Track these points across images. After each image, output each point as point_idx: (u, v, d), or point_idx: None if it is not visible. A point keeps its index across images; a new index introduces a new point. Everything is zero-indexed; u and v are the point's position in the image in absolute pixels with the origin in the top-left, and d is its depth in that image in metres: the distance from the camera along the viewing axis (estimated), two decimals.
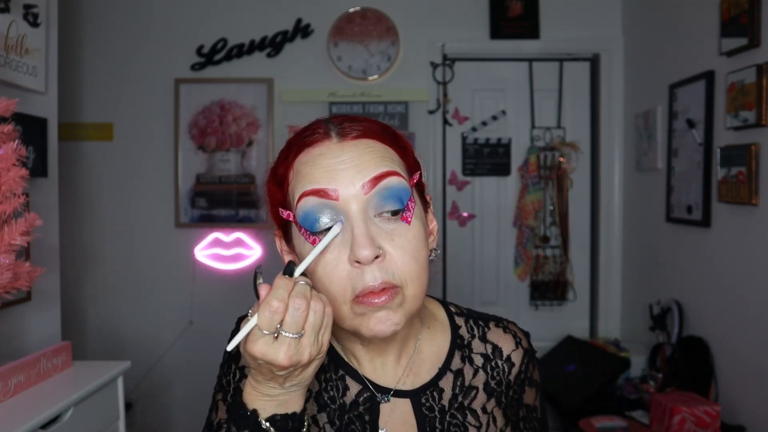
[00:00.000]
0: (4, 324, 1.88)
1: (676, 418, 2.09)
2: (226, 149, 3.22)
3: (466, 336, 0.86)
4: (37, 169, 2.00)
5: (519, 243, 3.30)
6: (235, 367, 0.83)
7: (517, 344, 0.87)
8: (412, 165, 0.77)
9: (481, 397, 0.83)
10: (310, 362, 0.66)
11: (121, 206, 3.26)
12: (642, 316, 2.92)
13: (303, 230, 0.71)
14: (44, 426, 1.53)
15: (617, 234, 3.27)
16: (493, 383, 0.84)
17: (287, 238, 0.78)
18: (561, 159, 3.23)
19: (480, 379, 0.84)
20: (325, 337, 0.66)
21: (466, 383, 0.83)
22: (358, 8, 3.20)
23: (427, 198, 0.80)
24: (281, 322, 0.63)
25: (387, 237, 0.70)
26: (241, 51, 3.20)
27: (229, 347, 0.66)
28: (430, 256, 0.77)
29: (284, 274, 0.66)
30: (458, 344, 0.85)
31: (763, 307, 2.07)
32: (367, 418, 0.80)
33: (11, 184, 1.41)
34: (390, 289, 0.69)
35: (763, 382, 2.08)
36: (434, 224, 0.81)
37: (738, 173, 2.14)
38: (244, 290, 3.16)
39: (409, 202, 0.72)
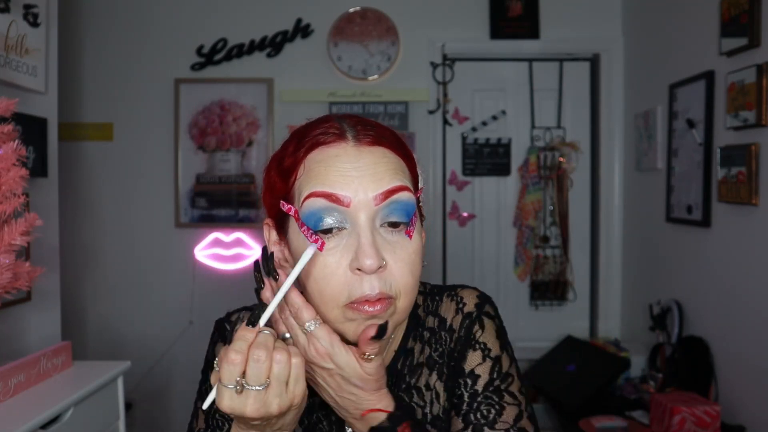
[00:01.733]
0: (4, 324, 1.88)
1: (676, 418, 2.09)
2: (226, 149, 3.22)
3: (422, 314, 0.84)
4: (37, 169, 2.00)
5: (519, 243, 3.30)
6: (208, 366, 0.85)
7: (458, 310, 0.82)
8: (416, 177, 0.77)
9: (425, 373, 0.81)
10: (284, 412, 0.65)
11: (121, 206, 3.26)
12: (642, 316, 2.92)
13: (304, 228, 0.70)
14: (44, 426, 1.53)
15: (617, 234, 3.27)
16: (435, 355, 0.81)
17: (280, 229, 0.76)
18: (561, 159, 3.23)
19: (425, 355, 0.81)
20: (298, 388, 0.65)
21: (415, 362, 0.81)
22: (358, 8, 3.20)
23: (422, 210, 0.80)
24: (244, 375, 0.62)
25: (390, 248, 0.70)
26: (241, 51, 3.20)
27: (204, 406, 0.66)
28: (423, 264, 0.78)
29: (248, 324, 0.65)
30: (414, 324, 0.83)
31: (763, 307, 2.07)
32: (333, 418, 0.79)
33: (11, 184, 1.41)
34: (385, 300, 0.69)
35: (763, 382, 2.08)
36: (424, 236, 0.79)
37: (738, 173, 2.14)
38: (244, 290, 3.16)
39: (413, 217, 0.72)
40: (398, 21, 3.20)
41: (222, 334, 0.87)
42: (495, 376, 0.78)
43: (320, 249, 0.69)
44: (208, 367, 0.85)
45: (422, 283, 0.86)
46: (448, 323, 0.82)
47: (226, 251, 3.20)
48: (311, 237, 0.70)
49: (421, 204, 0.80)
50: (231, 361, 0.62)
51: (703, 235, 2.44)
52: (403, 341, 0.82)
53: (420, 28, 3.22)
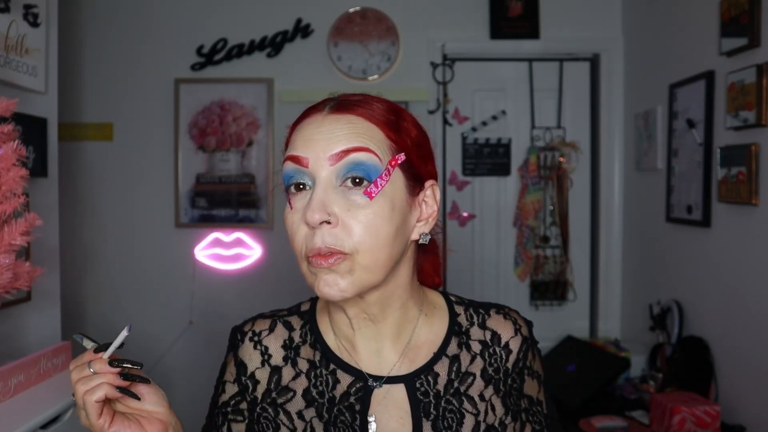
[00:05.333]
0: (4, 324, 1.88)
1: (676, 418, 2.09)
2: (226, 149, 3.22)
3: (465, 323, 0.86)
4: (37, 169, 2.00)
5: (519, 243, 3.30)
6: (220, 381, 0.90)
7: (516, 331, 0.86)
8: (405, 147, 0.78)
9: (479, 383, 0.82)
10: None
11: (121, 206, 3.26)
12: (642, 316, 2.92)
13: (284, 188, 0.77)
14: (44, 426, 1.53)
15: (617, 234, 3.27)
16: (490, 370, 0.83)
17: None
18: (561, 159, 3.23)
19: (477, 366, 0.83)
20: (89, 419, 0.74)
21: (463, 369, 0.83)
22: (358, 8, 3.20)
23: (427, 184, 0.82)
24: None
25: (345, 206, 0.73)
26: (241, 51, 3.20)
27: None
28: (418, 239, 0.82)
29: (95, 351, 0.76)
30: (456, 330, 0.85)
31: (763, 307, 2.07)
32: (357, 407, 0.80)
33: (11, 184, 1.41)
34: (337, 254, 0.72)
35: (763, 382, 2.08)
36: (433, 210, 0.83)
37: (738, 173, 2.14)
38: (245, 290, 3.16)
39: (378, 179, 0.74)
40: (398, 21, 3.20)
41: (233, 344, 0.89)
42: (546, 402, 0.91)
43: (291, 209, 0.76)
44: (224, 376, 0.90)
45: (457, 296, 0.91)
46: (503, 341, 0.85)
47: (226, 251, 3.20)
48: (286, 196, 0.77)
49: (431, 181, 0.83)
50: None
51: (703, 235, 2.44)
52: (444, 344, 0.84)
53: (420, 28, 3.22)
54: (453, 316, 0.86)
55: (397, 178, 0.76)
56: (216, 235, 3.21)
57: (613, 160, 3.26)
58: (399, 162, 0.76)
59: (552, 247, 3.30)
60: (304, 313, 0.88)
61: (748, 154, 2.08)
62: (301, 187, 0.75)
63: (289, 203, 0.76)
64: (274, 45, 3.20)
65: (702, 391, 2.31)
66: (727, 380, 2.28)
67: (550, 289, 3.30)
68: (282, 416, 0.81)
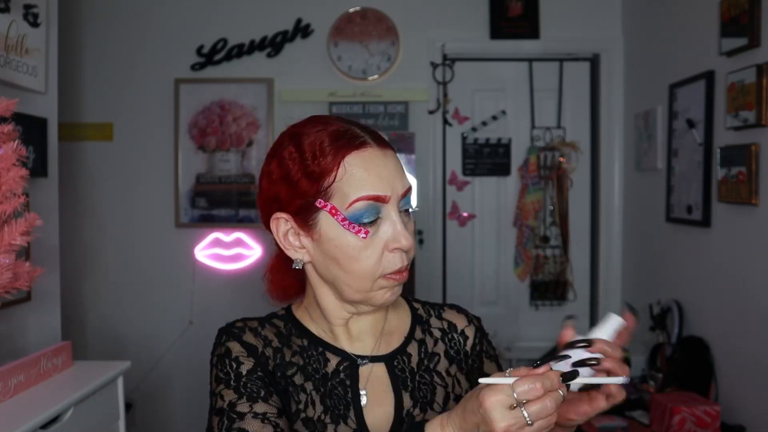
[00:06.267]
0: (4, 324, 1.88)
1: (676, 418, 2.09)
2: (226, 149, 3.22)
3: (424, 315, 1.00)
4: (37, 169, 2.00)
5: (519, 243, 3.30)
6: (229, 361, 0.89)
7: (470, 321, 1.01)
8: None
9: (444, 362, 0.96)
10: None
11: (121, 206, 3.26)
12: (642, 316, 2.92)
13: (347, 223, 0.83)
14: (44, 426, 1.53)
15: (617, 234, 3.27)
16: (452, 352, 0.98)
17: (303, 222, 0.86)
18: (561, 159, 3.23)
19: (440, 348, 0.97)
20: None
21: (429, 350, 0.96)
22: (358, 8, 3.20)
23: None
24: (527, 404, 0.67)
25: (410, 231, 0.88)
26: (241, 51, 3.20)
27: (488, 380, 0.70)
28: None
29: (564, 381, 0.70)
30: (418, 320, 0.99)
31: (763, 307, 2.07)
32: (348, 382, 0.91)
33: (11, 184, 1.41)
34: (406, 269, 0.87)
35: (763, 382, 2.08)
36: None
37: (738, 173, 2.14)
38: (244, 290, 3.16)
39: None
40: (398, 21, 3.20)
41: (232, 334, 0.92)
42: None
43: (364, 238, 0.83)
44: (222, 356, 0.90)
45: (411, 297, 1.04)
46: (459, 329, 0.99)
47: (226, 251, 3.20)
48: (361, 231, 0.83)
49: None
50: (536, 390, 0.67)
51: (703, 235, 2.44)
52: (411, 331, 0.97)
53: (420, 28, 3.22)
54: (413, 310, 1.00)
55: None
56: (216, 235, 3.21)
57: (613, 160, 3.26)
58: None
59: (552, 247, 3.30)
60: (282, 316, 0.97)
61: (748, 154, 2.08)
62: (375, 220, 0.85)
63: (360, 233, 0.83)
64: (274, 45, 3.20)
65: (702, 391, 2.31)
66: (727, 380, 2.28)
67: (550, 289, 3.30)
68: (291, 388, 0.89)
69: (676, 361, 2.46)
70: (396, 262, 0.85)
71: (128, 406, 2.91)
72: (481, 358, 1.00)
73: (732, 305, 2.25)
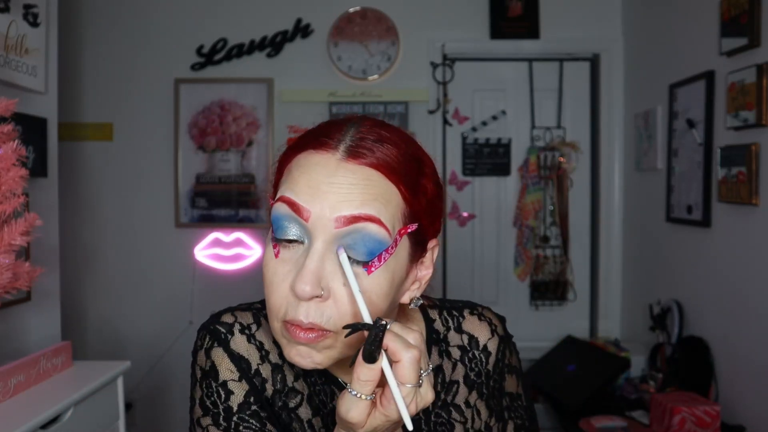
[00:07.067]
0: (4, 324, 1.88)
1: (676, 418, 2.09)
2: (226, 149, 3.22)
3: (442, 329, 0.84)
4: (37, 169, 2.00)
5: (519, 243, 3.30)
6: (216, 385, 0.75)
7: (493, 332, 0.85)
8: (419, 210, 0.70)
9: (463, 391, 0.82)
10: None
11: (121, 206, 3.26)
12: (642, 316, 2.92)
13: (271, 230, 0.68)
14: (44, 426, 1.53)
15: (617, 234, 3.27)
16: (472, 375, 0.83)
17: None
18: (561, 159, 3.23)
19: (459, 373, 0.83)
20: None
21: (447, 379, 0.82)
22: (358, 8, 3.20)
23: (429, 245, 0.74)
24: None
25: (340, 280, 0.65)
26: (241, 51, 3.20)
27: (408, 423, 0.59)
28: (409, 304, 0.74)
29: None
30: (434, 339, 0.83)
31: (763, 307, 2.07)
32: (329, 385, 0.78)
33: (11, 184, 1.41)
34: (319, 332, 0.65)
35: (763, 382, 2.08)
36: (427, 273, 0.75)
37: (738, 173, 2.14)
38: (244, 290, 3.15)
39: (384, 253, 0.65)
40: (398, 21, 3.20)
41: (217, 339, 0.77)
42: (525, 393, 0.88)
43: (276, 256, 0.66)
44: (204, 375, 0.76)
45: (427, 297, 0.83)
46: (481, 344, 0.84)
47: (226, 251, 3.20)
48: (271, 242, 0.67)
49: (434, 241, 0.75)
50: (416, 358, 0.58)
51: (703, 235, 2.44)
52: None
53: (420, 28, 3.22)
54: (429, 323, 0.84)
55: (402, 247, 0.68)
56: (216, 235, 3.21)
57: (613, 160, 3.26)
58: (409, 231, 0.68)
59: (552, 247, 3.30)
60: None
61: (748, 154, 2.08)
62: (294, 240, 0.66)
63: (274, 249, 0.67)
64: (274, 45, 3.20)
65: (702, 391, 2.31)
66: (727, 380, 2.28)
67: (550, 289, 3.30)
68: (295, 424, 0.75)
69: (676, 361, 2.46)
70: (294, 309, 0.64)
71: (128, 406, 2.91)
72: (503, 374, 0.86)
73: (732, 305, 2.25)
